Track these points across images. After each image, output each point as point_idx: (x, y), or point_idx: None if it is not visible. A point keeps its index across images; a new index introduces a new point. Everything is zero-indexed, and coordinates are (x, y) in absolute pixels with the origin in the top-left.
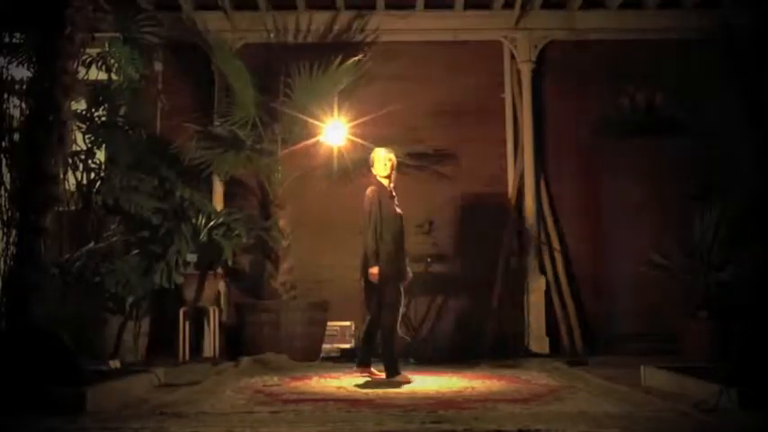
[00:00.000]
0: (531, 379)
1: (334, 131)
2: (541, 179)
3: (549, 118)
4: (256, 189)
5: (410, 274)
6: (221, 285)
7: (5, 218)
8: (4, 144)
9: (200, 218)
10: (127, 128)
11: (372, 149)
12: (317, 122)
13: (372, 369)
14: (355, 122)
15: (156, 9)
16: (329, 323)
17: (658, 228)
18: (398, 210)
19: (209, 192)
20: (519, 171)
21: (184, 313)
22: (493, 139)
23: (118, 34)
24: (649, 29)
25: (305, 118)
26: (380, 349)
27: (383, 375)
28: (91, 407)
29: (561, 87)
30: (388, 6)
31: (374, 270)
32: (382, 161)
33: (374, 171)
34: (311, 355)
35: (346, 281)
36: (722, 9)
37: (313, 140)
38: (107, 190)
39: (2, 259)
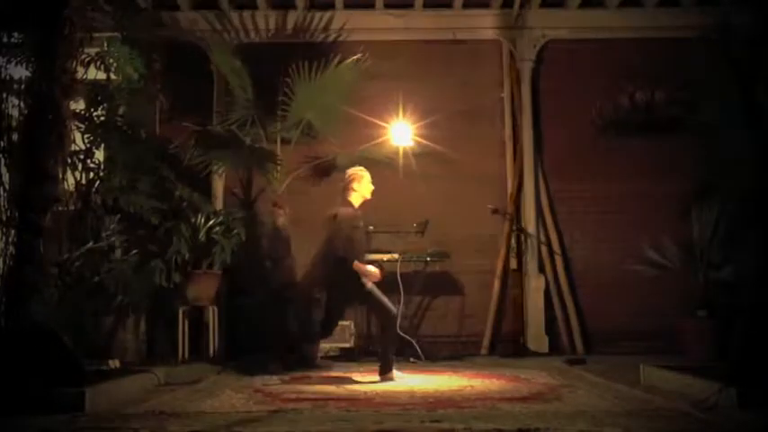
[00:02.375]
0: (530, 378)
1: (399, 132)
2: (541, 178)
3: (549, 117)
4: (256, 189)
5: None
6: (221, 285)
7: (5, 217)
8: (3, 144)
9: (199, 217)
10: (126, 127)
11: (353, 167)
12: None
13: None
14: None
15: (155, 8)
16: None
17: (658, 226)
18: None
19: (209, 191)
20: (518, 170)
21: (184, 313)
22: (492, 138)
23: (116, 34)
24: (648, 27)
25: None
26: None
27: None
28: (90, 407)
29: (560, 86)
30: (387, 5)
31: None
32: (368, 182)
33: (357, 191)
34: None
35: None
36: (721, 7)
37: (380, 140)
38: (106, 190)
39: (1, 259)
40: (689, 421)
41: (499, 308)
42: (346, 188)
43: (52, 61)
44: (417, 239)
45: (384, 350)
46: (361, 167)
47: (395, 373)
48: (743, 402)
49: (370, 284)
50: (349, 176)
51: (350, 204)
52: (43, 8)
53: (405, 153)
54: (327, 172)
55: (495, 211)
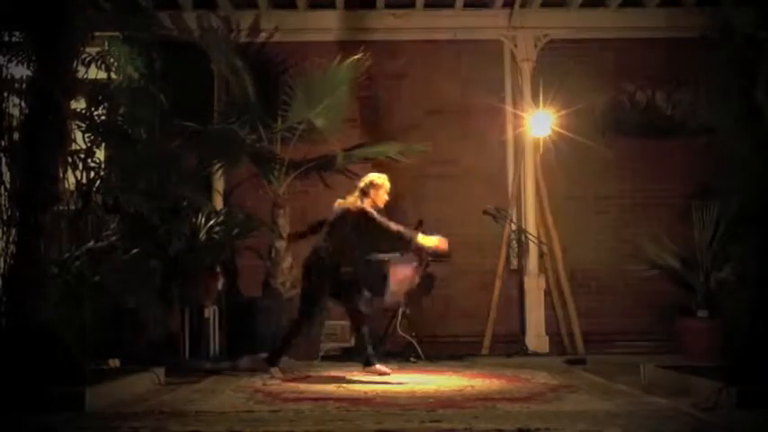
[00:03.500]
0: (530, 378)
1: (538, 123)
2: (541, 178)
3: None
4: (256, 188)
5: None
6: (221, 284)
7: (5, 217)
8: (3, 143)
9: (199, 217)
10: (126, 127)
11: (372, 173)
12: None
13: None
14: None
15: (156, 8)
16: (329, 322)
17: (658, 226)
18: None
19: (209, 191)
20: (519, 170)
21: (184, 312)
22: (493, 138)
23: (117, 33)
24: (649, 27)
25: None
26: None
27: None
28: (90, 406)
29: (561, 86)
30: (388, 5)
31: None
32: (385, 193)
33: (373, 198)
34: (311, 354)
35: None
36: (722, 8)
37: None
38: (107, 189)
39: (2, 258)
40: (689, 421)
41: (499, 308)
42: (363, 191)
43: (53, 61)
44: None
45: (362, 344)
46: (383, 176)
47: (378, 366)
48: (743, 402)
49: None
50: (368, 182)
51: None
52: (44, 7)
53: (409, 153)
54: (328, 172)
55: (496, 215)
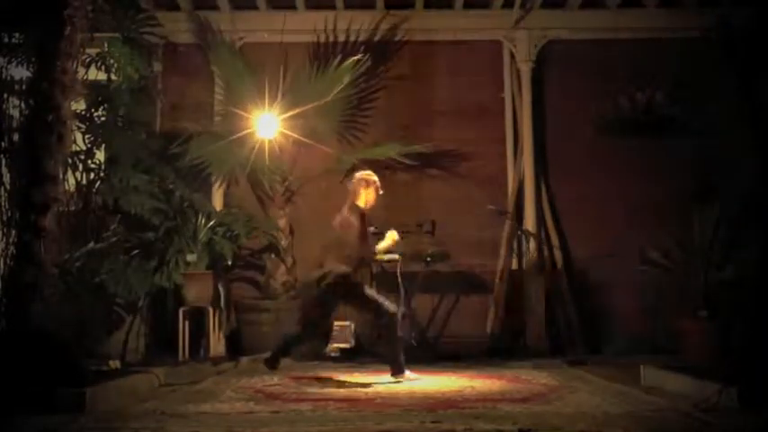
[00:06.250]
0: (531, 378)
1: (265, 124)
2: (541, 179)
3: (549, 117)
4: (256, 189)
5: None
6: (221, 285)
7: (5, 218)
8: (3, 144)
9: (199, 218)
10: (126, 128)
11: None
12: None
13: None
14: (287, 115)
15: (156, 9)
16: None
17: (658, 227)
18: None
19: (209, 192)
20: (519, 171)
21: (184, 313)
22: (493, 138)
23: (117, 34)
24: (648, 27)
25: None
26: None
27: None
28: (91, 407)
29: (561, 87)
30: (388, 6)
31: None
32: (373, 190)
33: (363, 195)
34: (311, 355)
35: None
36: (722, 8)
37: (243, 132)
38: (107, 190)
39: (2, 259)
40: (690, 422)
41: (500, 308)
42: (354, 192)
43: (53, 62)
44: (418, 240)
45: (390, 351)
46: (370, 172)
47: (408, 373)
48: (744, 402)
49: (367, 288)
50: (357, 180)
51: (355, 207)
52: (44, 8)
53: (409, 154)
54: (329, 172)
55: (500, 213)
